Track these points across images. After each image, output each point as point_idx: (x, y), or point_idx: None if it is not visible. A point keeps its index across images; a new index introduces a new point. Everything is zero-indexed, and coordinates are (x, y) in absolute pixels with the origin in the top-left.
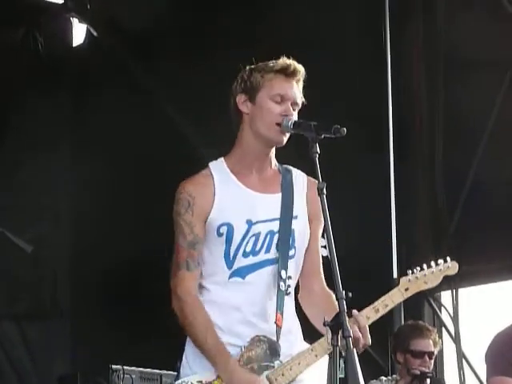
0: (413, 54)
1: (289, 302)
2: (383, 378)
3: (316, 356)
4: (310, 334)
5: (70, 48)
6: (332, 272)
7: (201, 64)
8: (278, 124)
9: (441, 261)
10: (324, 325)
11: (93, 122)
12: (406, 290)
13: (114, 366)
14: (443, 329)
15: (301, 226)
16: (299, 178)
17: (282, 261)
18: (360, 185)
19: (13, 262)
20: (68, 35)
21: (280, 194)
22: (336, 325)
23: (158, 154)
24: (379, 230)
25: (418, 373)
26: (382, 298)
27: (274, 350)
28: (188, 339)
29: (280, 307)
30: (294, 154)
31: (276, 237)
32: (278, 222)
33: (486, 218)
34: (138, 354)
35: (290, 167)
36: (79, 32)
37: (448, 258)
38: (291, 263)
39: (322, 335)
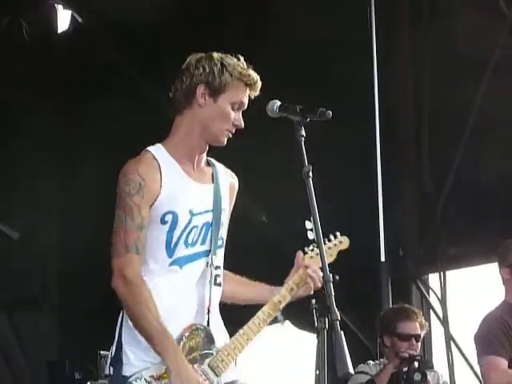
0: (400, 48)
1: (217, 292)
2: (371, 362)
3: (248, 340)
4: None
5: (55, 34)
6: (319, 255)
7: (187, 51)
8: (228, 130)
9: (332, 236)
10: (311, 308)
11: (82, 110)
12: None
13: (102, 352)
14: (431, 312)
15: (226, 219)
16: (223, 171)
17: (213, 251)
18: (346, 170)
19: (1, 251)
20: (53, 22)
21: (212, 185)
22: (323, 308)
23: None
24: (366, 214)
25: (407, 356)
26: (294, 278)
27: (210, 336)
28: (125, 329)
29: (211, 295)
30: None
31: (210, 228)
32: (211, 214)
33: (472, 201)
34: None
35: (213, 160)
36: (64, 18)
37: (338, 233)
38: (220, 253)
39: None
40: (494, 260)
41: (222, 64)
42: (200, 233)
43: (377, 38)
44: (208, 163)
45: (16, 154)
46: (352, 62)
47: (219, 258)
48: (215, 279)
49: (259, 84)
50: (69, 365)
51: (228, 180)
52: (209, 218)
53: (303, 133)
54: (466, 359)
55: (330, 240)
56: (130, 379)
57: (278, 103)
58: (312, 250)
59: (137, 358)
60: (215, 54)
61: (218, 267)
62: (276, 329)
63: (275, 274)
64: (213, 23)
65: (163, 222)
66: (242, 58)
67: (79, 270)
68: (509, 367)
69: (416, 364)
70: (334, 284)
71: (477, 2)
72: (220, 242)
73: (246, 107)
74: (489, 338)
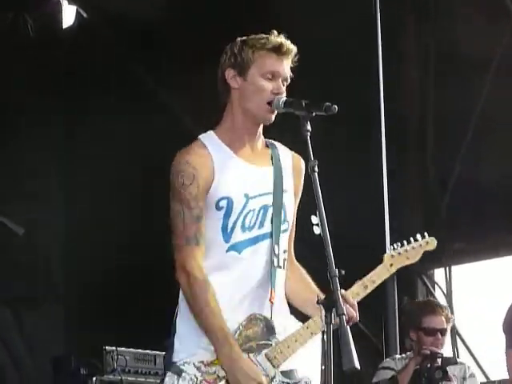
0: (405, 49)
1: (281, 276)
2: (397, 356)
3: (311, 333)
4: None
5: (60, 30)
6: (325, 250)
7: (198, 49)
8: (269, 103)
9: (419, 236)
10: (317, 303)
11: (85, 103)
12: (391, 265)
13: (107, 348)
14: None
15: (290, 200)
16: (285, 152)
17: (275, 235)
18: (352, 168)
19: (6, 246)
20: (58, 17)
21: (272, 168)
22: (329, 303)
23: (156, 141)
24: (372, 211)
25: (429, 353)
26: (370, 275)
27: (270, 327)
28: (180, 318)
29: (273, 284)
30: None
31: (270, 211)
32: (271, 196)
33: (477, 196)
34: (132, 335)
35: (275, 142)
36: (69, 13)
37: (426, 234)
38: (284, 237)
39: (295, 309)
40: (499, 255)
41: (242, 42)
42: (257, 216)
43: (381, 39)
44: (267, 145)
45: (16, 153)
46: (355, 62)
47: (283, 241)
48: (283, 263)
49: (289, 47)
50: (74, 360)
51: (291, 161)
52: (267, 200)
53: (309, 127)
54: (472, 353)
55: (416, 240)
56: (178, 363)
57: (284, 98)
58: (394, 249)
59: (188, 345)
60: (240, 38)
61: (285, 251)
62: None
63: None
64: (213, 23)
65: (218, 207)
66: (275, 32)
67: (83, 267)
68: None
69: (439, 361)
70: (339, 279)
71: (482, 1)
72: (285, 226)
73: (286, 75)
74: None
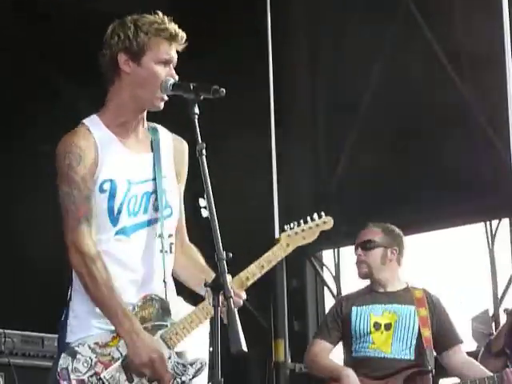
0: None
1: (169, 260)
2: None
3: (207, 315)
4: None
5: None
6: (212, 233)
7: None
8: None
9: (316, 216)
10: (205, 285)
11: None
12: (288, 245)
13: None
14: (325, 288)
15: (171, 186)
16: (166, 137)
17: (160, 220)
18: (241, 147)
19: None
20: None
21: (151, 154)
22: (217, 286)
23: None
24: (261, 193)
25: None
26: (266, 255)
27: (165, 308)
28: (75, 298)
29: (165, 266)
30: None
31: (152, 197)
32: (151, 183)
33: (365, 179)
34: (20, 317)
35: (157, 125)
36: None
37: (323, 213)
38: (170, 222)
39: (187, 288)
40: None
41: (135, 26)
42: (140, 202)
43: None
44: (148, 129)
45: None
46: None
47: (169, 226)
48: (170, 248)
49: (181, 35)
50: None
51: (172, 146)
52: (148, 187)
53: (197, 110)
54: None
55: (313, 219)
56: (73, 344)
57: (172, 81)
58: (291, 229)
59: (82, 325)
60: (129, 18)
61: (170, 235)
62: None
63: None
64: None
65: (102, 190)
66: (160, 13)
67: None
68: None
69: None
70: (227, 262)
71: None
72: (168, 211)
73: (175, 61)
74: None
